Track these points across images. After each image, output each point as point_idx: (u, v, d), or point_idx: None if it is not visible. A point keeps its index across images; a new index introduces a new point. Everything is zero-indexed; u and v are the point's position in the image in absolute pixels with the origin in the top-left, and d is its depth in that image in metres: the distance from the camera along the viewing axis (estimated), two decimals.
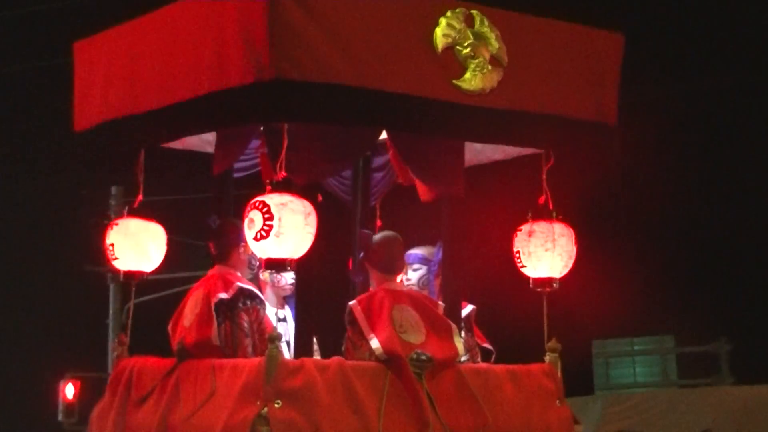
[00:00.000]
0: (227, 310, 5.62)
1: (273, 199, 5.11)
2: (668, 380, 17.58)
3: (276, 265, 5.15)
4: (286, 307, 6.12)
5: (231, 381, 5.20)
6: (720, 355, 16.40)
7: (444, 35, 5.39)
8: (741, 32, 16.93)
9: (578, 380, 16.76)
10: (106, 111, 5.82)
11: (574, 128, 5.81)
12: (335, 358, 5.34)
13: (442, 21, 5.39)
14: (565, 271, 5.91)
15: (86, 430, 6.12)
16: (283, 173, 5.17)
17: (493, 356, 6.08)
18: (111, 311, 16.83)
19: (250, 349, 5.59)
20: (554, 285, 5.86)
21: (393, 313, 5.49)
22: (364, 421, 5.17)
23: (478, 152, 6.27)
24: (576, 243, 5.92)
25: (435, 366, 5.47)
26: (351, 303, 5.60)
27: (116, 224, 6.06)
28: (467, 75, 5.44)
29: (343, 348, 5.61)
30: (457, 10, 5.43)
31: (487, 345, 6.12)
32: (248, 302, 5.66)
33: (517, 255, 5.89)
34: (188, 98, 5.25)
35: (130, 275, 6.04)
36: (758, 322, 18.03)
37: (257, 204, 5.13)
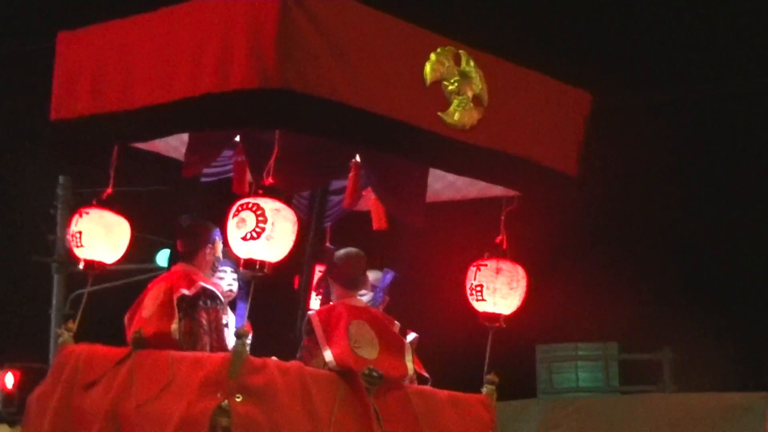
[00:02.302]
0: (188, 307, 5.72)
1: (267, 204, 5.25)
2: (611, 386, 17.72)
3: (254, 266, 5.23)
4: (229, 312, 6.16)
5: (191, 373, 5.29)
6: (663, 363, 16.57)
7: (433, 69, 5.63)
8: (720, 41, 17.13)
9: (522, 383, 16.88)
10: (94, 104, 5.83)
11: (540, 173, 6.07)
12: (295, 362, 5.47)
13: (433, 56, 5.63)
14: (513, 309, 6.11)
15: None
16: (271, 180, 5.27)
17: (429, 383, 6.19)
18: (55, 302, 16.70)
19: (207, 347, 5.67)
20: (501, 322, 6.12)
21: (350, 328, 5.65)
22: (316, 426, 5.32)
23: (437, 191, 6.43)
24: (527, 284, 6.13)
25: (385, 383, 5.61)
26: (310, 313, 5.76)
27: (86, 213, 6.07)
28: (451, 109, 5.67)
29: (299, 355, 5.70)
30: (447, 47, 5.69)
31: (424, 373, 6.24)
32: (209, 302, 5.77)
33: (478, 288, 6.09)
34: (187, 97, 5.33)
35: (91, 264, 6.06)
36: (701, 331, 18.24)
37: (251, 206, 5.26)
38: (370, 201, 6.41)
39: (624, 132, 17.29)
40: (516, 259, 6.21)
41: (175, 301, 5.70)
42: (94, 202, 6.14)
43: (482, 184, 6.33)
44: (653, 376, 16.91)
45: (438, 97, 5.66)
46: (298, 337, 5.85)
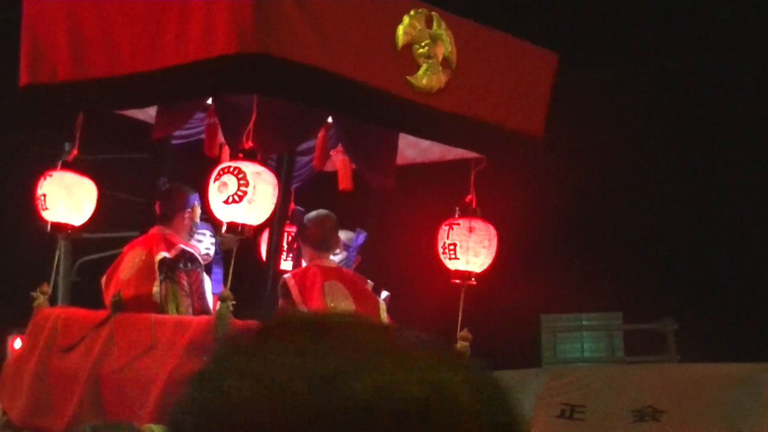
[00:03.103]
0: (167, 270, 5.74)
1: (248, 168, 5.35)
2: (615, 356, 17.76)
3: (236, 229, 5.26)
4: (205, 276, 6.20)
5: (174, 336, 5.35)
6: (666, 333, 16.58)
7: (405, 33, 5.71)
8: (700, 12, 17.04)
9: (526, 354, 16.93)
10: (73, 71, 5.84)
11: (505, 137, 6.05)
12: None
13: (406, 19, 5.71)
14: (485, 267, 6.15)
15: None
16: (250, 143, 5.30)
17: None
18: (61, 268, 16.75)
19: (190, 309, 5.70)
20: (473, 280, 6.24)
21: (324, 288, 5.68)
22: None
23: (409, 153, 6.43)
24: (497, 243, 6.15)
25: None
26: (285, 276, 5.81)
27: (50, 175, 6.11)
28: (419, 73, 5.68)
29: None
30: (420, 10, 5.76)
31: None
32: (189, 264, 5.81)
33: (451, 247, 6.20)
34: (176, 64, 5.35)
35: (58, 226, 6.11)
36: (705, 301, 18.24)
37: (232, 170, 5.36)
38: (336, 162, 6.43)
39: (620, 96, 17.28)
40: (492, 221, 6.25)
41: (155, 264, 5.73)
42: (58, 165, 6.17)
43: (445, 148, 6.34)
44: (658, 347, 16.92)
45: (408, 61, 5.69)
46: (269, 299, 5.87)
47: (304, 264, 6.11)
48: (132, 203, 14.62)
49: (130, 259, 5.95)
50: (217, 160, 6.54)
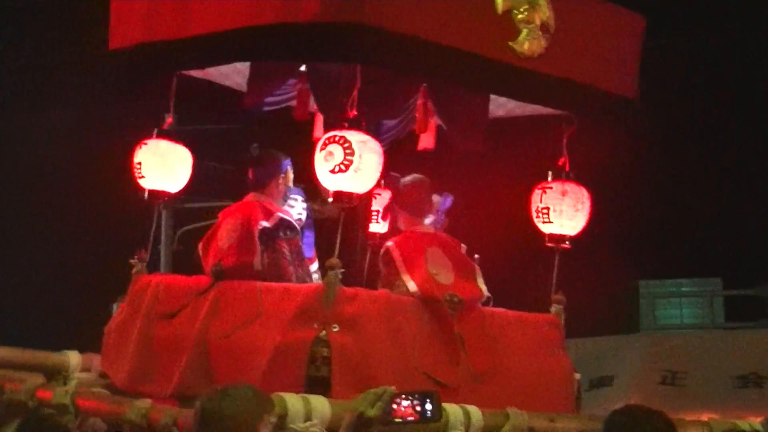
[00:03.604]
0: (268, 239, 5.80)
1: (354, 136, 5.39)
2: (715, 322, 17.55)
3: (345, 198, 5.32)
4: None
5: (282, 304, 5.44)
6: (767, 298, 16.35)
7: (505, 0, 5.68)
8: None
9: (624, 319, 16.81)
10: (150, 32, 5.91)
11: (601, 99, 6.14)
12: (383, 291, 5.54)
13: None
14: (578, 231, 6.14)
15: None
16: (354, 112, 5.35)
17: (491, 303, 6.26)
18: (163, 237, 17.02)
19: (294, 277, 5.77)
20: (567, 243, 6.28)
21: (426, 256, 5.70)
22: (405, 354, 5.51)
23: (499, 105, 6.43)
24: (591, 207, 6.24)
25: (464, 307, 5.64)
26: (388, 244, 5.85)
27: (145, 144, 6.23)
28: (521, 38, 5.69)
29: (378, 286, 5.78)
30: None
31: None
32: (288, 232, 5.89)
33: (545, 211, 6.26)
34: (251, 25, 5.37)
35: (155, 194, 6.22)
36: None
37: (338, 139, 5.42)
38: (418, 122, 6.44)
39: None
40: (587, 184, 6.25)
41: (255, 233, 5.79)
42: (154, 133, 6.27)
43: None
44: (758, 312, 16.70)
45: (508, 26, 5.72)
46: (360, 263, 5.91)
47: (400, 229, 6.14)
48: (228, 173, 14.80)
49: (228, 228, 6.01)
50: (309, 125, 6.61)
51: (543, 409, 5.65)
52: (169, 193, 6.32)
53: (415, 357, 5.49)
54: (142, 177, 6.24)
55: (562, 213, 6.25)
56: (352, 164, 5.35)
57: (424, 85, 6.14)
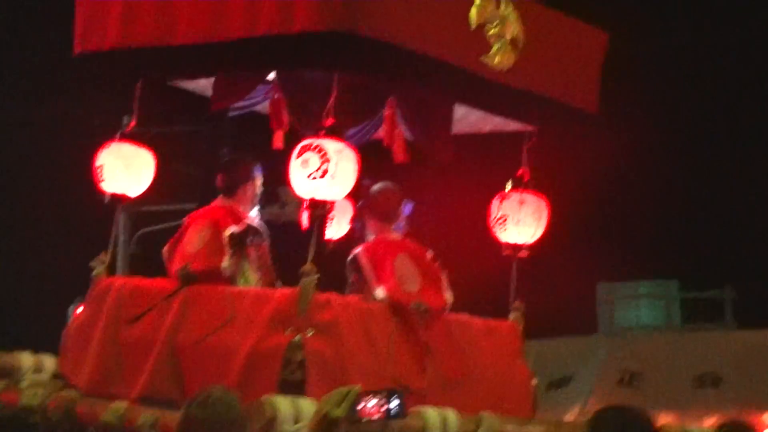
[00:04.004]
0: (236, 244, 5.77)
1: (329, 145, 5.41)
2: (672, 324, 17.68)
3: (318, 205, 5.34)
4: None
5: (255, 309, 5.46)
6: (724, 301, 16.52)
7: (478, 13, 5.81)
8: None
9: (582, 321, 16.90)
10: (119, 38, 5.85)
11: (564, 112, 6.35)
12: (353, 298, 5.57)
13: (477, 0, 5.78)
14: (536, 239, 6.32)
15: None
16: (331, 120, 5.35)
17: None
18: (120, 239, 16.90)
19: (260, 282, 5.76)
20: (524, 251, 6.36)
21: (395, 263, 5.73)
22: (377, 360, 5.54)
23: (465, 122, 6.51)
24: (549, 215, 6.38)
25: (430, 315, 5.74)
26: (357, 251, 5.86)
27: (108, 146, 6.15)
28: (492, 52, 5.78)
29: (346, 292, 5.78)
30: None
31: None
32: (255, 238, 5.85)
33: (502, 219, 6.31)
34: (243, 37, 5.42)
35: (116, 198, 6.15)
36: (763, 269, 18.10)
37: (314, 147, 5.41)
38: (389, 133, 6.47)
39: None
40: (547, 193, 6.34)
41: (225, 238, 5.77)
42: (117, 136, 6.23)
43: (498, 119, 6.41)
44: (715, 314, 16.85)
45: (481, 40, 5.81)
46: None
47: (368, 236, 6.14)
48: (191, 176, 14.76)
49: (196, 232, 5.96)
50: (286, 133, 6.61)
51: (506, 413, 5.68)
52: (129, 197, 6.26)
53: (386, 363, 5.53)
54: (103, 180, 6.16)
55: (519, 221, 6.34)
56: (327, 172, 5.38)
57: (391, 96, 6.17)
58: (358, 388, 3.64)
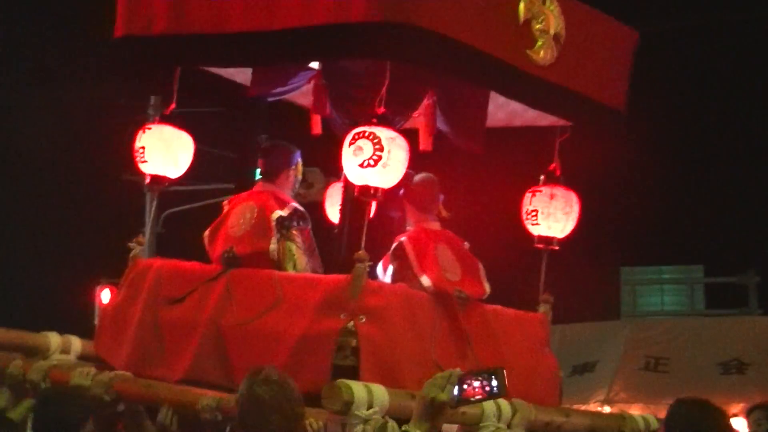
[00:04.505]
0: (282, 228, 5.81)
1: (383, 133, 5.43)
2: (695, 309, 17.68)
3: (369, 192, 5.44)
4: None
5: (303, 293, 5.48)
6: (748, 286, 16.47)
7: (526, 9, 5.81)
8: None
9: (605, 305, 16.91)
10: (167, 24, 5.84)
11: (595, 109, 6.34)
12: (402, 285, 5.64)
13: None
14: (567, 233, 6.40)
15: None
16: (383, 109, 5.45)
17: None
18: (148, 219, 17.00)
19: (308, 266, 5.81)
20: (555, 245, 6.38)
21: (437, 252, 5.79)
22: (422, 346, 5.55)
23: (498, 116, 6.57)
24: (579, 210, 6.45)
25: (469, 303, 5.85)
26: (402, 239, 5.94)
27: (149, 128, 6.21)
28: (537, 47, 5.88)
29: (389, 281, 5.83)
30: None
31: None
32: (301, 222, 5.91)
33: (533, 213, 6.36)
34: (298, 26, 5.43)
35: (156, 179, 6.21)
36: None
37: (367, 134, 5.42)
38: (418, 122, 6.50)
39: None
40: (576, 186, 6.41)
41: (271, 221, 5.80)
42: (157, 118, 6.24)
43: (533, 113, 6.46)
44: (739, 300, 16.82)
45: (527, 35, 5.83)
46: (344, 257, 5.95)
47: (408, 225, 6.20)
48: (215, 156, 14.80)
49: (239, 215, 5.95)
50: (305, 116, 6.63)
51: (535, 402, 5.74)
52: (169, 178, 6.29)
53: (431, 350, 5.56)
54: (145, 162, 6.18)
55: (550, 216, 6.37)
56: (381, 159, 5.39)
57: (431, 87, 6.20)
58: (458, 371, 3.68)
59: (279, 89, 6.40)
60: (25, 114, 17.68)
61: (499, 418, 5.33)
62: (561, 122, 6.44)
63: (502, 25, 5.72)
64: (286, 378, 4.02)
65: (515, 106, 6.52)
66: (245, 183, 6.51)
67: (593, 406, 12.07)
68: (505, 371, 3.67)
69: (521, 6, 5.80)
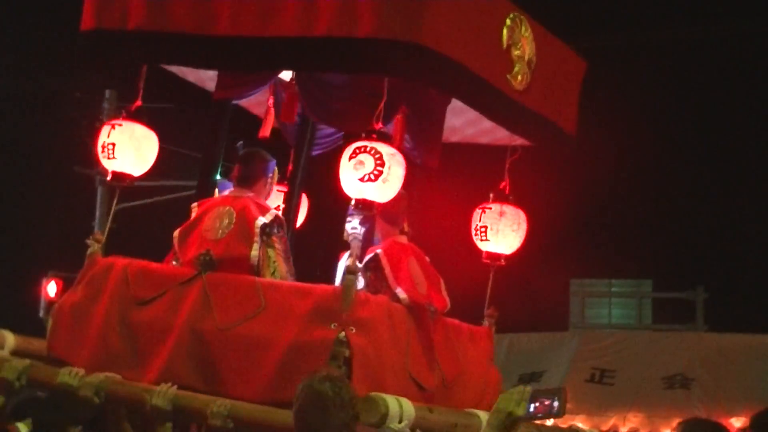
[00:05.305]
0: (263, 234, 5.76)
1: (384, 149, 5.51)
2: (643, 323, 17.78)
3: (366, 206, 5.52)
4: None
5: (290, 301, 5.48)
6: (696, 302, 16.57)
7: (508, 35, 5.96)
8: None
9: (554, 316, 16.96)
10: (143, 20, 5.75)
11: (555, 132, 6.54)
12: (383, 297, 5.65)
13: (507, 21, 5.96)
14: (514, 250, 6.56)
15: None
16: (380, 124, 5.55)
17: None
18: (98, 213, 16.86)
19: (288, 274, 5.80)
20: (502, 261, 6.54)
21: (410, 266, 5.81)
22: (399, 356, 5.61)
23: (454, 131, 6.65)
24: (527, 227, 6.59)
25: (435, 317, 5.96)
26: (378, 251, 6.00)
27: (119, 125, 6.11)
28: (515, 71, 6.02)
29: (363, 290, 5.85)
30: (514, 14, 6.01)
31: None
32: (280, 230, 5.85)
33: (483, 229, 6.50)
34: (298, 36, 5.45)
35: (120, 176, 6.12)
36: (735, 272, 18.21)
37: (369, 149, 5.49)
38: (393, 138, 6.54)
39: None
40: (524, 204, 6.61)
41: (255, 228, 5.76)
42: (124, 115, 6.18)
43: (487, 132, 6.63)
44: (686, 315, 16.92)
45: (508, 59, 5.97)
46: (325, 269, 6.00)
47: (376, 238, 6.23)
48: (171, 153, 14.70)
49: (215, 219, 5.86)
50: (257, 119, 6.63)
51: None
52: (133, 176, 6.22)
53: (405, 361, 5.64)
54: (113, 158, 6.10)
55: (499, 232, 6.51)
56: (381, 175, 5.47)
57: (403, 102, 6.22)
58: (530, 389, 3.77)
59: (242, 94, 6.38)
60: None
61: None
62: (513, 142, 6.56)
63: (490, 48, 5.84)
64: (343, 378, 4.12)
65: (456, 122, 6.65)
66: (208, 183, 6.45)
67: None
68: (566, 392, 3.78)
69: (504, 32, 5.92)
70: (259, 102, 6.80)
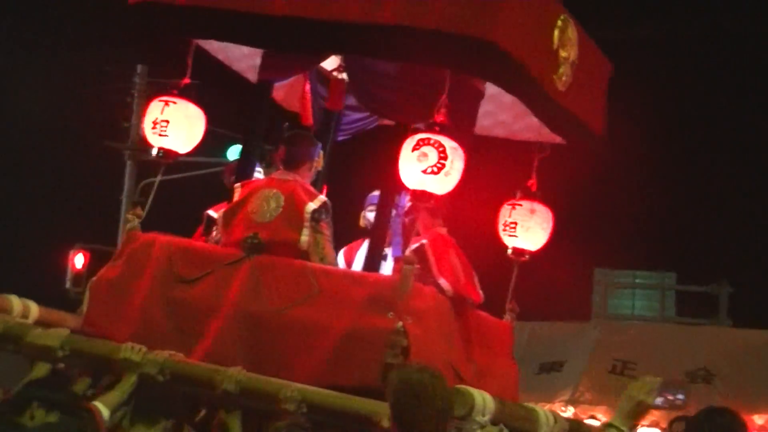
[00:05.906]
0: (312, 220, 5.77)
1: (447, 142, 5.56)
2: (666, 316, 17.73)
3: (425, 198, 5.59)
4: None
5: (344, 288, 5.54)
6: (720, 296, 16.51)
7: (558, 37, 5.99)
8: None
9: (576, 306, 16.94)
10: None
11: (587, 134, 6.58)
12: (432, 288, 5.69)
13: (558, 23, 5.98)
14: (539, 247, 6.59)
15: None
16: (442, 117, 5.58)
17: None
18: (126, 187, 16.93)
19: (336, 259, 5.85)
20: (526, 256, 6.56)
21: (451, 258, 5.87)
22: (445, 346, 5.68)
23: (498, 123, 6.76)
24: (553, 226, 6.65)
25: (472, 309, 6.06)
26: (424, 242, 6.03)
27: (174, 102, 6.08)
28: (560, 72, 6.04)
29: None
30: (563, 16, 6.02)
31: None
32: (328, 216, 5.87)
33: (512, 225, 6.53)
34: (359, 22, 5.48)
35: (168, 153, 6.11)
36: (760, 267, 18.12)
37: (432, 142, 5.54)
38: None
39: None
40: (554, 191, 6.66)
41: (305, 213, 5.76)
42: (175, 92, 6.14)
43: (520, 127, 6.62)
44: (709, 309, 16.87)
45: (555, 60, 5.99)
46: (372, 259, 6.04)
47: (419, 228, 6.25)
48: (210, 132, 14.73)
49: (262, 201, 5.83)
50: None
51: None
52: (179, 153, 6.23)
53: (449, 352, 5.72)
54: (165, 135, 6.09)
55: (529, 229, 6.55)
56: (443, 168, 5.53)
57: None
58: (660, 379, 3.91)
59: (285, 76, 6.38)
60: (5, 78, 17.57)
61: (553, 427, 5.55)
62: (542, 139, 6.57)
63: (543, 49, 5.88)
64: (436, 369, 4.14)
65: (505, 117, 6.66)
66: (248, 164, 6.47)
67: (557, 406, 12.10)
68: (688, 387, 3.90)
69: (555, 33, 5.95)
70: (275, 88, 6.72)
